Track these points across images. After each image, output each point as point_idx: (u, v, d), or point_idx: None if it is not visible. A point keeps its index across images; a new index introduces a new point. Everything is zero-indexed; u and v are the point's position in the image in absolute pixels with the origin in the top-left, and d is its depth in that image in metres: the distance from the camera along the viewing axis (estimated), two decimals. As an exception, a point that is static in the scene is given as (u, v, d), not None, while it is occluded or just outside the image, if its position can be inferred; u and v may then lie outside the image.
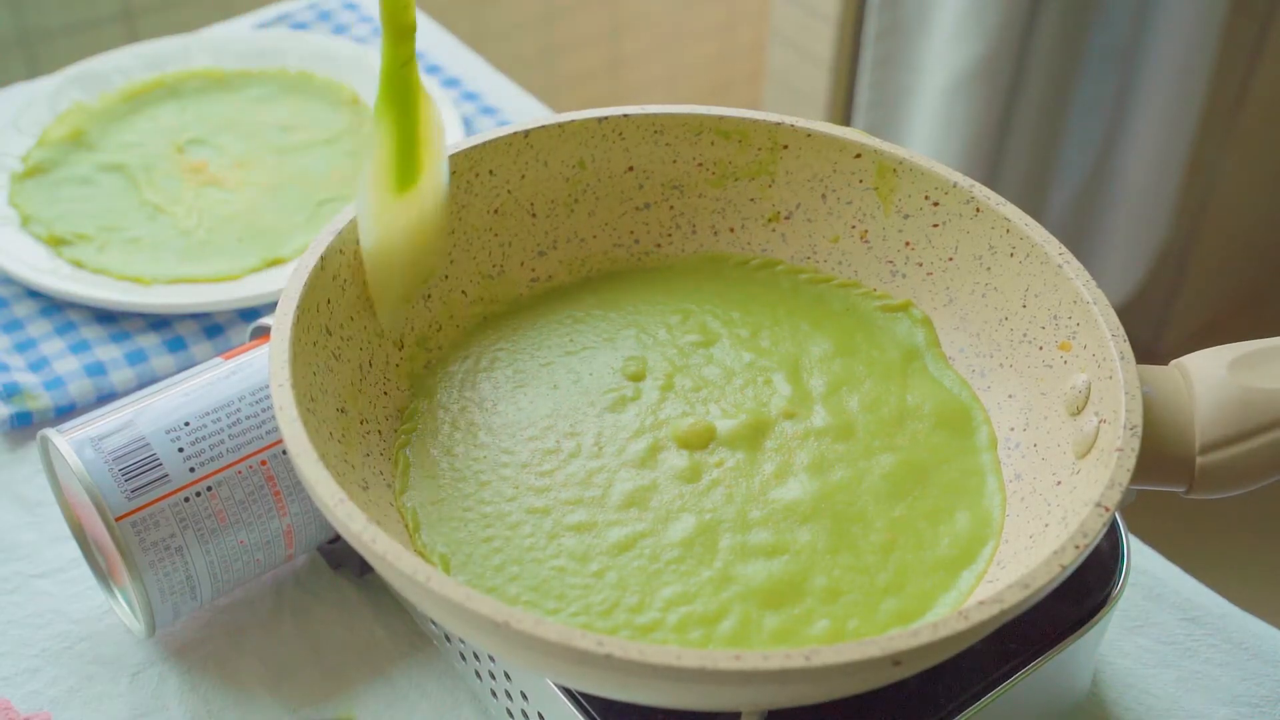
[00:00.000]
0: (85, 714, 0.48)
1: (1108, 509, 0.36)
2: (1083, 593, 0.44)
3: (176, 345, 0.62)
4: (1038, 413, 0.43)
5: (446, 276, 0.47)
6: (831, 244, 0.49)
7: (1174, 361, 0.41)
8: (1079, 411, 0.41)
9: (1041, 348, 0.43)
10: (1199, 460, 0.39)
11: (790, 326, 0.48)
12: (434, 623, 0.48)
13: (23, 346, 0.62)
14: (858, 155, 0.48)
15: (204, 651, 0.50)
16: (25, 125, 0.72)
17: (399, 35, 0.42)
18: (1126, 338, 0.40)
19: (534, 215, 0.49)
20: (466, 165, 0.47)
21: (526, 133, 0.47)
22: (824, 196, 0.49)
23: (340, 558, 0.52)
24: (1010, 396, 0.44)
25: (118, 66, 0.77)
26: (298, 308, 0.40)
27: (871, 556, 0.40)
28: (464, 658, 0.47)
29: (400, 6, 0.41)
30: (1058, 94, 1.26)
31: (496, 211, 0.48)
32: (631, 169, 0.49)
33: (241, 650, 0.50)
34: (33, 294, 0.64)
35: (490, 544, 0.41)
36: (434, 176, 0.45)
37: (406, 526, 0.41)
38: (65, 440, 0.45)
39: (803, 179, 0.49)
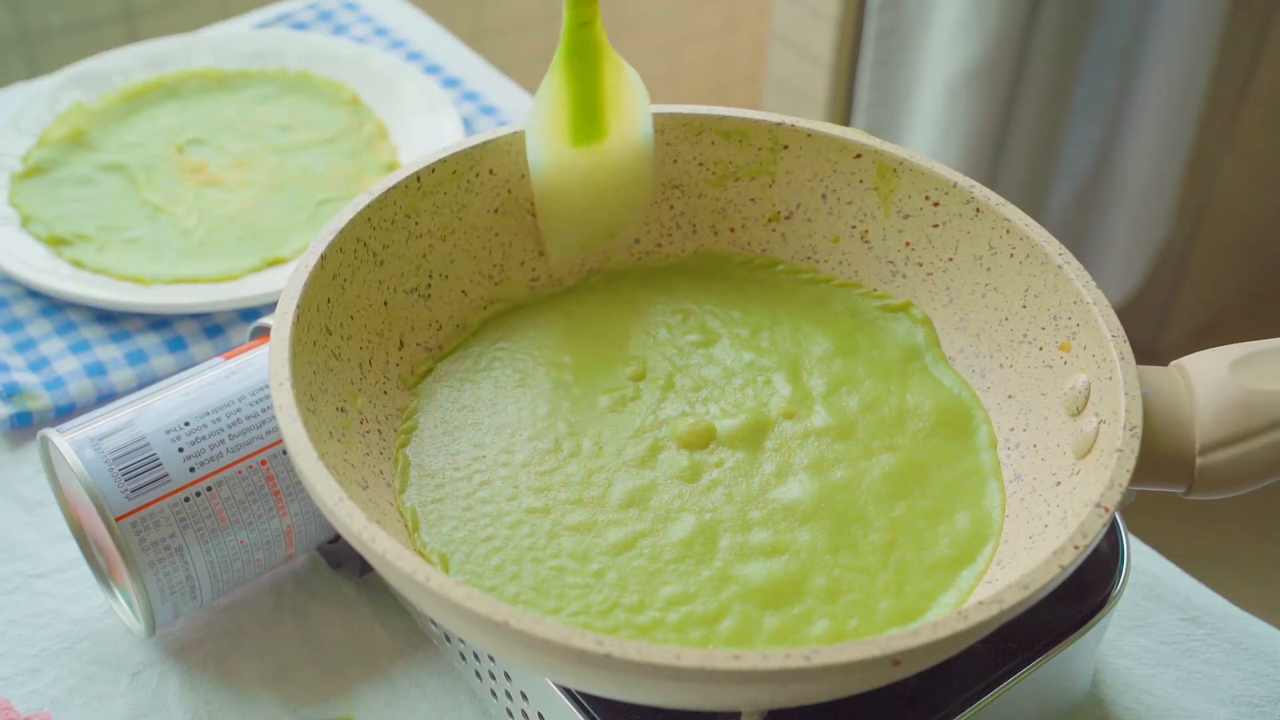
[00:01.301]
0: (85, 714, 0.48)
1: (1107, 509, 0.36)
2: (1083, 593, 0.44)
3: (176, 345, 0.62)
4: (1037, 413, 0.43)
5: (446, 276, 0.47)
6: (831, 244, 0.49)
7: (1174, 362, 0.41)
8: (1079, 412, 0.41)
9: (1041, 348, 0.43)
10: (1199, 461, 0.39)
11: (790, 326, 0.48)
12: (434, 623, 0.48)
13: (23, 346, 0.62)
14: (858, 155, 0.48)
15: (204, 651, 0.50)
16: (25, 125, 0.72)
17: None
18: (1126, 338, 0.40)
19: (534, 215, 0.49)
20: (466, 165, 0.47)
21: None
22: (824, 196, 0.49)
23: (340, 558, 0.52)
24: (1010, 397, 0.44)
25: (118, 66, 0.77)
26: (298, 308, 0.40)
27: (871, 556, 0.40)
28: (464, 658, 0.47)
29: None
30: (1058, 94, 1.26)
31: (496, 211, 0.48)
32: (631, 169, 0.49)
33: (241, 650, 0.50)
34: (33, 294, 0.64)
35: (490, 544, 0.41)
36: (626, 135, 0.47)
37: (406, 526, 0.41)
38: (65, 440, 0.45)
39: (803, 179, 0.49)
